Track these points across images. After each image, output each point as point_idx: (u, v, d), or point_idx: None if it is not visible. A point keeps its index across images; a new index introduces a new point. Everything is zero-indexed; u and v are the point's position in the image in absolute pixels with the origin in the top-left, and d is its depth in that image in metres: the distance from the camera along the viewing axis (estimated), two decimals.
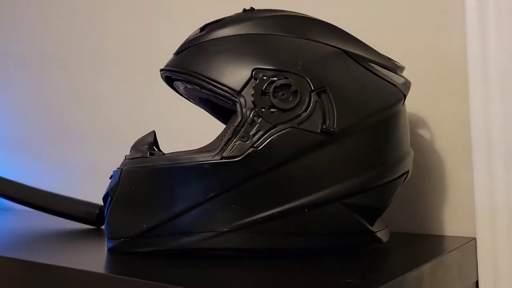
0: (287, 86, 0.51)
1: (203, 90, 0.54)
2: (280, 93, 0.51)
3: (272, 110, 0.50)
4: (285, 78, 0.51)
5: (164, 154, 0.54)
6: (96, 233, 0.71)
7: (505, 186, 0.60)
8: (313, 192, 0.50)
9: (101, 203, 0.59)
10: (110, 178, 0.57)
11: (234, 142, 0.50)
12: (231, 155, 0.50)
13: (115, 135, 0.93)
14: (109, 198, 0.56)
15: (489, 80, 0.61)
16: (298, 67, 0.52)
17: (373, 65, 0.54)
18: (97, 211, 0.74)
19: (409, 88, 0.57)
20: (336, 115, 0.51)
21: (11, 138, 1.10)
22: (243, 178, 0.50)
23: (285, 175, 0.51)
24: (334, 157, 0.51)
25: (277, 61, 0.52)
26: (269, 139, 0.50)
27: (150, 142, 0.57)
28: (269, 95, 0.50)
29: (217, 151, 0.50)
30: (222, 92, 0.51)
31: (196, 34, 0.56)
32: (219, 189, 0.50)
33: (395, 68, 0.56)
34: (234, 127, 0.50)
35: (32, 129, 1.06)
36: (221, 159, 0.50)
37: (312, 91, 0.51)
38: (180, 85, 0.59)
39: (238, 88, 0.51)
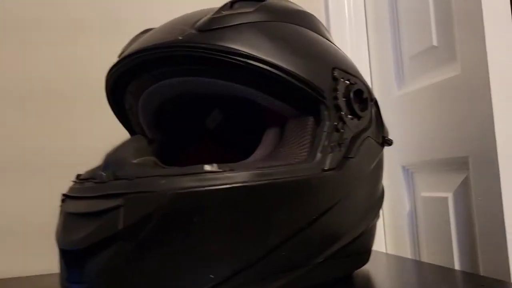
0: (360, 92, 0.46)
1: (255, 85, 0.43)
2: (356, 98, 0.45)
3: (351, 116, 0.44)
4: (355, 83, 0.46)
5: (230, 167, 0.38)
6: None
7: None
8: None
9: None
10: (84, 216, 0.37)
11: (328, 151, 0.42)
12: (331, 166, 0.41)
13: None
14: (113, 243, 0.36)
15: None
16: (358, 73, 0.48)
17: None
18: None
19: None
20: (385, 128, 0.51)
21: None
22: (345, 193, 0.43)
23: (367, 189, 0.48)
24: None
25: (348, 63, 0.47)
26: (359, 149, 0.44)
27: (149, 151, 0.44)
28: (349, 100, 0.44)
29: (311, 162, 0.41)
30: (307, 91, 0.42)
31: (243, 10, 0.43)
32: (322, 208, 0.41)
33: None
34: (325, 133, 0.42)
35: None
36: (322, 171, 0.41)
37: (371, 100, 0.48)
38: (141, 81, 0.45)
39: (323, 88, 0.43)
